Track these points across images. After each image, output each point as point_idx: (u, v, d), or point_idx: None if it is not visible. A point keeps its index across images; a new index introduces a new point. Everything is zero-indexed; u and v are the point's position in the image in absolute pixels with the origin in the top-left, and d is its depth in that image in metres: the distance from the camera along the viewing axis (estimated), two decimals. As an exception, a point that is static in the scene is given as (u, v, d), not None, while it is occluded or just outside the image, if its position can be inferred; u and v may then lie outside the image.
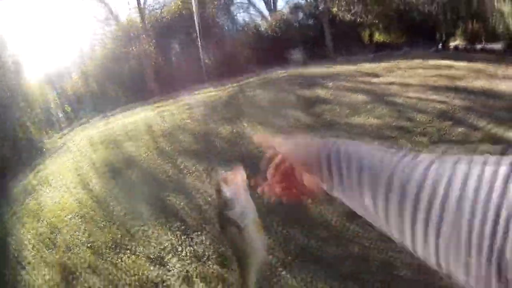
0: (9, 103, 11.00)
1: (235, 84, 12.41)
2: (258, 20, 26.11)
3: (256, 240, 0.62)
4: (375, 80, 9.80)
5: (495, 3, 18.21)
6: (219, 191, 0.60)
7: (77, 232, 4.02)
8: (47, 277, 3.39)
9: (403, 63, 12.83)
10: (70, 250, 3.74)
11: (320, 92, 8.60)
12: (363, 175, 0.45)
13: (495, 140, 5.02)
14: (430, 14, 21.82)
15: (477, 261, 0.32)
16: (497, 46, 19.57)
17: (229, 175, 0.61)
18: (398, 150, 0.48)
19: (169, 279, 2.83)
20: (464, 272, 0.33)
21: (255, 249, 0.62)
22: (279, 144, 0.59)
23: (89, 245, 3.70)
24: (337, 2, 19.89)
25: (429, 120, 5.79)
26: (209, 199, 3.99)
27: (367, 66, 12.91)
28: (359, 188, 0.45)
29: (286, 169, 0.61)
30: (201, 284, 2.66)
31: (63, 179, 5.97)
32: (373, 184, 0.43)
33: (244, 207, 0.60)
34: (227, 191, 0.60)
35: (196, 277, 2.75)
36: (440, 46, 22.52)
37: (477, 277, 0.32)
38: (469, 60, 13.46)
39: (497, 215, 0.31)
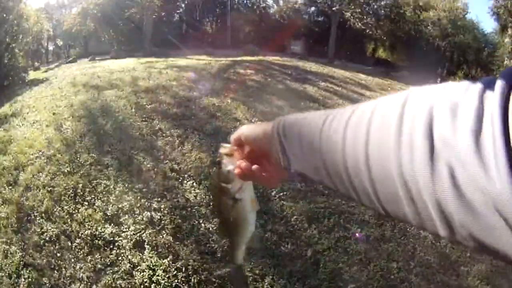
0: (1, 25, 10.48)
1: (229, 59, 12.26)
2: (270, 1, 25.81)
3: (249, 213, 0.64)
4: (366, 92, 9.91)
5: (505, 60, 18.64)
6: (220, 162, 0.61)
7: (40, 173, 3.90)
8: (2, 214, 3.30)
9: (397, 85, 13.02)
10: (30, 190, 3.64)
11: (310, 89, 8.63)
12: (302, 138, 0.48)
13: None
14: (438, 49, 22.15)
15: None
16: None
17: (232, 149, 0.62)
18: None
19: (121, 240, 2.80)
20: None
21: (246, 222, 0.64)
22: (241, 130, 0.62)
23: (49, 189, 3.60)
24: (352, 8, 19.81)
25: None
26: (176, 167, 3.96)
27: (361, 77, 13.03)
28: (303, 151, 0.47)
29: (251, 153, 0.61)
30: (151, 252, 2.65)
31: (38, 115, 5.77)
32: (312, 142, 0.45)
33: (242, 182, 0.61)
34: (228, 164, 0.61)
35: (148, 244, 2.73)
36: (438, 81, 22.92)
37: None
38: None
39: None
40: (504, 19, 21.08)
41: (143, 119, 5.23)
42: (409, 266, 2.79)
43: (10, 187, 3.74)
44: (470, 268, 3.08)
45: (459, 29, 22.61)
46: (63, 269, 2.61)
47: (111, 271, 2.54)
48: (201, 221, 3.01)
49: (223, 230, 0.69)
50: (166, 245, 2.74)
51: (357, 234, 3.30)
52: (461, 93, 0.31)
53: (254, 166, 0.58)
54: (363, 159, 0.36)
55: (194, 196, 3.41)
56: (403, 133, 0.32)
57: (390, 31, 21.93)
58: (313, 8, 24.71)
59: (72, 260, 2.68)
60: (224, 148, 0.62)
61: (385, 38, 22.45)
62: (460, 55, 22.67)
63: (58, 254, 2.75)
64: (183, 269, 2.52)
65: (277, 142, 0.53)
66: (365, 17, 19.96)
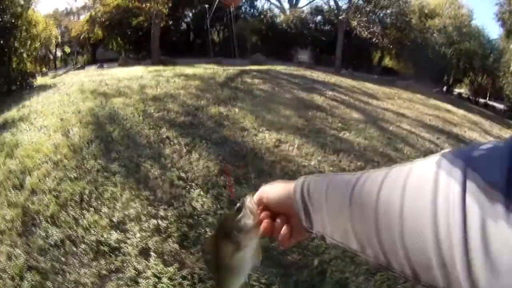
0: (10, 30, 10.63)
1: (236, 68, 12.31)
2: (277, 11, 25.97)
3: (247, 263, 0.62)
4: (373, 101, 9.87)
5: (511, 65, 18.54)
6: (240, 210, 0.61)
7: (46, 178, 3.91)
8: (7, 217, 3.31)
9: (404, 94, 12.97)
10: (36, 195, 3.66)
11: (317, 99, 8.61)
12: (330, 200, 0.49)
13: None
14: (444, 56, 22.08)
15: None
16: (500, 105, 19.99)
17: (255, 212, 0.61)
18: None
19: (127, 247, 2.79)
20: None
21: (241, 271, 0.62)
22: (264, 191, 0.63)
23: (55, 194, 3.61)
24: (358, 17, 19.85)
25: (415, 155, 5.87)
26: (183, 175, 3.96)
27: (368, 86, 13.00)
28: (330, 214, 0.48)
29: (272, 214, 0.61)
30: (157, 259, 2.64)
31: (45, 120, 5.81)
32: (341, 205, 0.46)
33: (252, 231, 0.60)
34: (247, 216, 0.60)
35: (154, 251, 2.72)
36: (444, 88, 22.86)
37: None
38: (469, 110, 13.74)
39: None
40: (509, 24, 21.03)
41: (151, 127, 5.25)
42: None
43: (16, 190, 3.76)
44: None
45: (465, 36, 22.57)
46: (67, 274, 2.60)
47: (116, 277, 2.53)
48: (207, 230, 3.00)
49: (214, 271, 0.65)
50: (172, 253, 2.73)
51: None
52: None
53: (279, 226, 0.59)
54: (398, 226, 0.38)
55: (201, 204, 3.40)
56: (439, 203, 0.35)
57: (396, 39, 21.92)
58: (319, 17, 24.80)
59: (77, 265, 2.67)
60: (250, 203, 0.61)
61: (391, 46, 22.44)
62: (466, 62, 22.58)
63: (63, 259, 2.75)
64: (189, 277, 2.50)
65: (300, 203, 0.54)
66: (371, 25, 19.99)
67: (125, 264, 2.61)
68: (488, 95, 23.51)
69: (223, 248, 0.60)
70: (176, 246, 2.80)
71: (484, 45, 23.04)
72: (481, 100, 22.13)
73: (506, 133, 10.73)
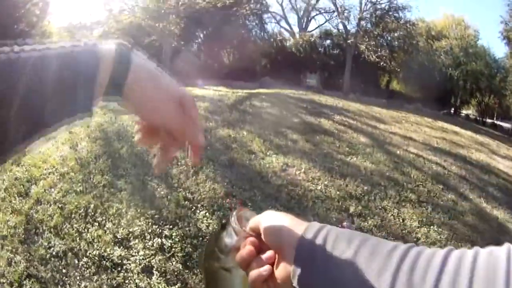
0: (24, 39, 10.90)
1: (245, 91, 12.43)
2: (287, 34, 26.33)
3: None
4: (380, 126, 9.87)
5: None
6: (224, 227, 0.53)
7: (52, 189, 3.96)
8: (10, 223, 3.34)
9: (411, 117, 12.95)
10: (41, 204, 3.69)
11: (325, 123, 8.64)
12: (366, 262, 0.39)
13: (481, 215, 5.06)
14: (451, 78, 22.13)
15: None
16: (507, 125, 19.87)
17: (243, 234, 0.52)
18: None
19: (130, 264, 2.80)
20: None
21: None
22: (262, 220, 0.50)
23: (60, 205, 3.64)
24: (366, 40, 20.06)
25: (423, 179, 5.83)
26: (190, 196, 3.97)
27: (376, 110, 13.01)
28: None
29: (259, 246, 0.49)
30: (159, 278, 2.63)
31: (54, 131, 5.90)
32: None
33: (234, 253, 0.51)
34: (229, 233, 0.52)
35: (157, 270, 2.71)
36: (452, 110, 22.81)
37: None
38: (476, 131, 13.65)
39: None
40: (515, 42, 20.95)
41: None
42: None
43: (20, 198, 3.79)
44: None
45: (471, 56, 22.59)
46: (68, 286, 2.60)
47: (117, 293, 2.52)
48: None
49: None
50: (175, 273, 2.72)
51: (344, 223, 3.26)
52: None
53: (260, 262, 0.47)
54: None
55: (206, 226, 3.41)
56: None
57: (404, 62, 22.02)
58: (328, 41, 25.08)
59: (78, 278, 2.68)
60: (234, 222, 0.52)
61: (399, 70, 22.51)
62: (473, 83, 22.56)
63: (64, 270, 2.76)
64: (191, 297, 2.48)
65: (307, 249, 0.44)
66: (379, 49, 20.13)
67: (127, 281, 2.61)
68: (495, 115, 23.37)
69: (208, 268, 0.53)
70: (180, 266, 2.80)
71: (490, 65, 23.03)
72: (488, 120, 22.00)
73: (512, 154, 10.66)
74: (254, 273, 0.47)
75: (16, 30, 10.67)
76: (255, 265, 0.47)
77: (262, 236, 0.48)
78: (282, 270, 0.45)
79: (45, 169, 4.41)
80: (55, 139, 5.49)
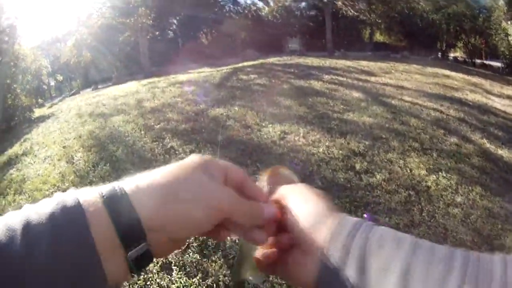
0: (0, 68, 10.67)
1: (230, 67, 12.23)
2: (260, 4, 25.79)
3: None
4: (370, 78, 9.79)
5: (502, 22, 18.30)
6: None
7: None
8: None
9: (400, 66, 12.84)
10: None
11: (315, 84, 8.54)
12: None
13: (486, 155, 5.03)
14: (434, 23, 21.87)
15: None
16: (497, 63, 19.77)
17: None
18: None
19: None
20: None
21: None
22: (288, 192, 0.43)
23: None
24: (342, -4, 19.69)
25: (423, 126, 5.77)
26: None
27: (363, 64, 12.89)
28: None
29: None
30: (179, 273, 2.58)
31: (49, 150, 5.77)
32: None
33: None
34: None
35: (175, 265, 2.66)
36: (439, 55, 22.64)
37: None
38: (467, 73, 13.56)
39: None
40: (495, -20, 20.62)
41: (154, 140, 5.19)
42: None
43: None
44: (504, 240, 2.96)
45: (451, -1, 22.27)
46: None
47: (141, 296, 2.48)
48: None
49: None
50: (194, 264, 2.67)
51: (365, 215, 3.23)
52: None
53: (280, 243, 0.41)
54: None
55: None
56: None
57: (384, 13, 21.69)
58: (303, 3, 24.59)
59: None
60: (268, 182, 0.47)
61: (379, 21, 22.23)
62: (457, 25, 22.30)
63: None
64: (214, 286, 2.44)
65: (336, 248, 0.35)
66: (356, 3, 19.81)
67: (148, 283, 2.56)
68: (483, 55, 23.23)
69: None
70: (197, 256, 2.74)
71: (471, 6, 22.74)
72: (478, 61, 21.85)
73: (507, 91, 10.59)
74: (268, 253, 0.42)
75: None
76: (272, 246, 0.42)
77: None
78: (300, 267, 0.38)
79: (47, 190, 4.29)
80: (51, 158, 5.37)
